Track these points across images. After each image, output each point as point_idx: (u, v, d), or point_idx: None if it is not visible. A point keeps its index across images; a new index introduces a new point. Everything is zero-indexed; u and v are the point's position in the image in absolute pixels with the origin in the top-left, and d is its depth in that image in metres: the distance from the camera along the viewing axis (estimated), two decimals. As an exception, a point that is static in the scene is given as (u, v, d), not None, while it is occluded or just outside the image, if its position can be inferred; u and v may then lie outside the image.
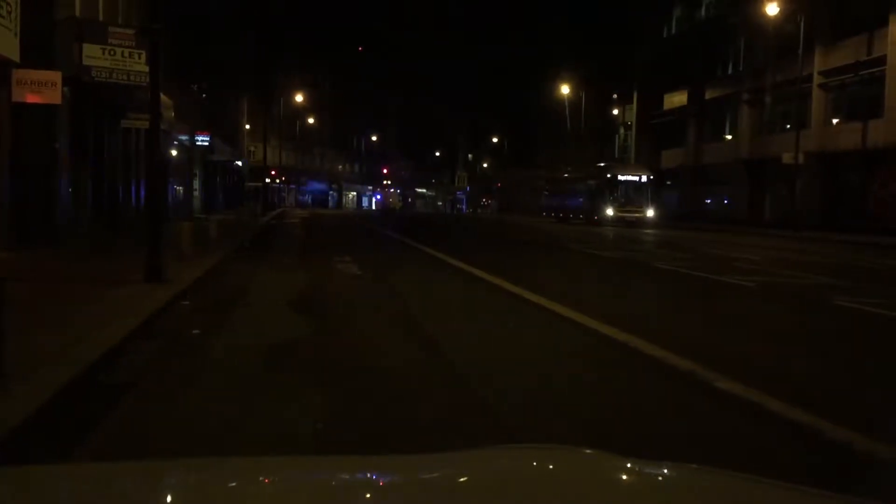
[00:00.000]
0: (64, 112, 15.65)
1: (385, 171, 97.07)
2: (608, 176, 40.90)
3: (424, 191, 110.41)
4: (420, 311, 9.22)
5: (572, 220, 43.07)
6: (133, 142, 22.35)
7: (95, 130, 18.78)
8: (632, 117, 56.14)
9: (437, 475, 1.80)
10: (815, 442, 4.30)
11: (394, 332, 7.85)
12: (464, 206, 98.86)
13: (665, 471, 1.84)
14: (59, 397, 4.71)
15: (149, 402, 5.10)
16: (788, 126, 36.10)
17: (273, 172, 61.14)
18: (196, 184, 37.46)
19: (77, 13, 16.28)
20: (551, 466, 1.87)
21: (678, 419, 4.87)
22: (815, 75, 34.70)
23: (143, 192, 21.38)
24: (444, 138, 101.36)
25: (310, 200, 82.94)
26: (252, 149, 61.25)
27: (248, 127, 58.88)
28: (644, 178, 40.17)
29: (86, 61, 15.88)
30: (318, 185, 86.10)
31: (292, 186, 78.67)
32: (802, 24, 31.85)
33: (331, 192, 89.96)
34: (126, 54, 16.12)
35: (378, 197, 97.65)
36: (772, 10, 32.99)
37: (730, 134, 43.68)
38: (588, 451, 2.01)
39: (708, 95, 44.89)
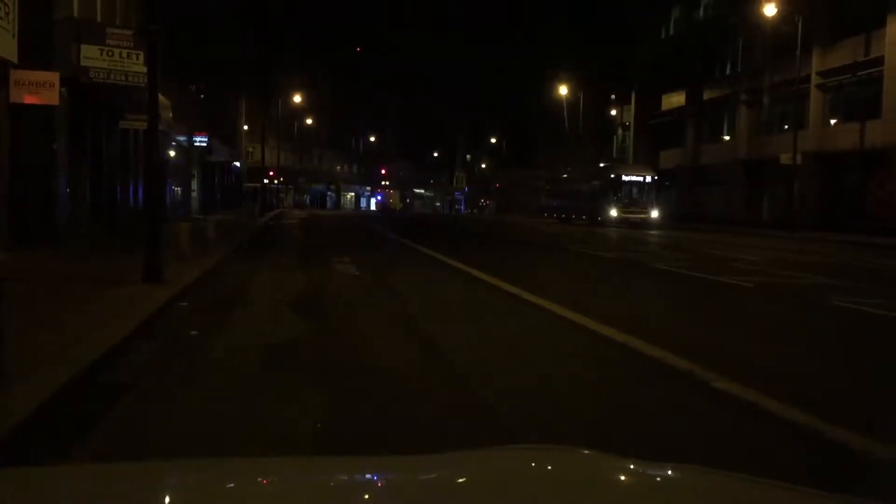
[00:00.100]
0: (62, 113, 15.65)
1: (383, 171, 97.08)
2: (612, 176, 40.44)
3: (423, 191, 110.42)
4: (419, 312, 9.22)
5: (574, 221, 42.67)
6: (131, 142, 22.34)
7: (94, 131, 18.78)
8: (630, 118, 56.18)
9: (436, 476, 1.80)
10: (814, 442, 4.30)
11: (393, 333, 7.85)
12: (462, 207, 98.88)
13: (664, 471, 1.84)
14: (59, 397, 4.71)
15: (148, 402, 5.10)
16: (786, 126, 36.13)
17: (271, 173, 61.16)
18: (194, 184, 37.47)
19: (75, 14, 16.27)
20: (550, 467, 1.87)
21: (677, 419, 4.87)
22: (813, 76, 34.75)
23: (141, 193, 21.36)
24: (443, 139, 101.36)
25: (308, 201, 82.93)
26: (250, 149, 61.23)
27: (246, 127, 58.87)
28: (648, 179, 39.79)
29: (84, 62, 15.88)
30: (316, 186, 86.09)
31: (290, 187, 78.64)
32: (800, 25, 31.88)
33: (329, 193, 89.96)
34: (124, 55, 16.11)
35: (379, 197, 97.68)
36: (770, 10, 33.04)
37: (728, 134, 43.70)
38: (587, 451, 2.02)
39: (706, 96, 44.90)
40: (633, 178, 39.86)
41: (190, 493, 1.68)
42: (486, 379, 5.77)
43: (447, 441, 4.16)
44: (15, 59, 13.03)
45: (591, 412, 4.95)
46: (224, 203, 45.39)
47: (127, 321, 7.16)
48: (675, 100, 48.30)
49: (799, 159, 31.58)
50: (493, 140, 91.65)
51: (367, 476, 1.81)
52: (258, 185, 50.64)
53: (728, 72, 43.83)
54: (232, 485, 1.72)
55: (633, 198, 39.06)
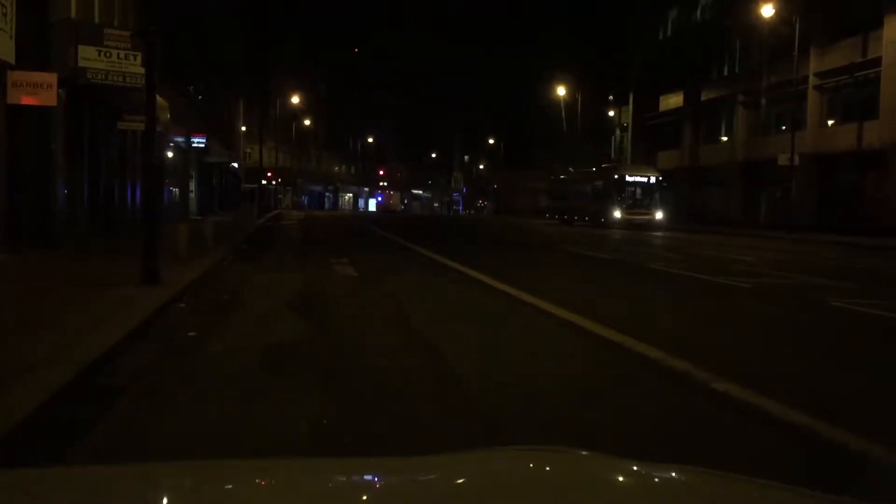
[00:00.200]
0: (60, 114, 15.62)
1: (381, 172, 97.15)
2: (616, 177, 39.51)
3: (420, 192, 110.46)
4: (418, 313, 9.21)
5: (577, 223, 41.77)
6: (129, 143, 22.31)
7: (91, 132, 18.75)
8: (628, 119, 56.21)
9: (434, 477, 1.80)
10: (812, 443, 4.30)
11: (392, 334, 7.84)
12: (460, 208, 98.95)
13: (662, 472, 1.84)
14: (56, 399, 4.70)
15: (146, 403, 5.09)
16: (784, 127, 36.17)
17: (269, 174, 61.15)
18: (192, 185, 37.39)
19: (72, 15, 16.25)
20: (548, 468, 1.87)
21: (675, 420, 4.88)
22: (811, 77, 34.78)
23: (139, 194, 21.34)
24: (441, 140, 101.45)
25: (306, 202, 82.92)
26: (248, 150, 61.20)
27: (244, 128, 58.86)
28: (653, 179, 39.11)
29: (81, 63, 15.84)
30: (314, 187, 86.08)
31: (288, 188, 78.64)
32: (797, 26, 31.92)
33: (327, 194, 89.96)
34: (122, 56, 16.08)
35: (379, 198, 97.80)
36: (767, 11, 33.06)
37: (725, 135, 43.73)
38: (585, 452, 2.02)
39: (704, 97, 44.93)
40: (638, 178, 39.09)
41: (188, 494, 1.68)
42: (485, 379, 5.77)
43: (446, 442, 4.16)
44: (12, 60, 13.02)
45: (590, 412, 4.95)
46: (222, 204, 45.36)
47: (125, 322, 7.16)
48: (672, 101, 48.36)
49: (796, 160, 31.57)
50: (491, 141, 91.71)
51: (366, 477, 1.81)
52: (256, 186, 50.59)
53: (726, 73, 43.89)
54: (230, 486, 1.72)
55: (637, 199, 38.29)
